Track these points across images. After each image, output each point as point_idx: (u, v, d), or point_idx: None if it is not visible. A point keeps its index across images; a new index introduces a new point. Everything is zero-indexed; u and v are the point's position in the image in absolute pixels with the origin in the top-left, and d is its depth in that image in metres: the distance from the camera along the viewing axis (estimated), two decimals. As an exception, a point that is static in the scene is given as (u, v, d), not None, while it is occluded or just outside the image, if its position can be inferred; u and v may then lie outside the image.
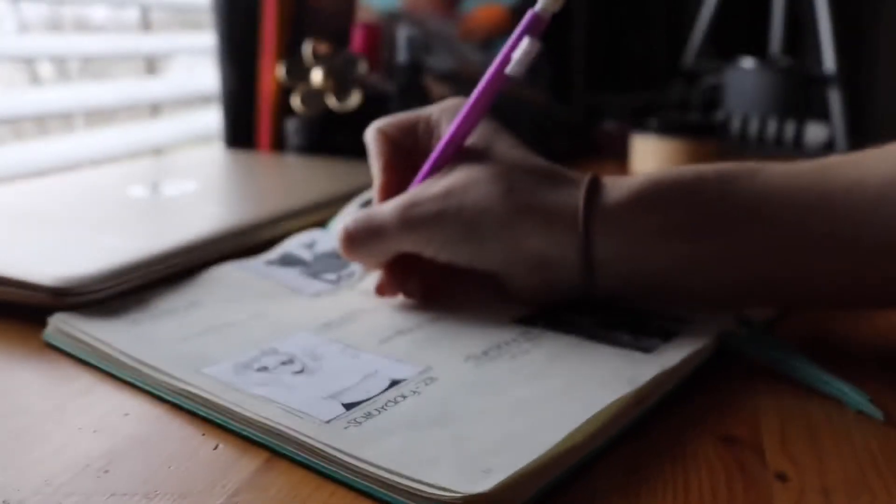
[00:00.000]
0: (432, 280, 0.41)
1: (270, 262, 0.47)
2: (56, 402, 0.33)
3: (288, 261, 0.47)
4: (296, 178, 0.71)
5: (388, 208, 0.38)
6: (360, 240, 0.39)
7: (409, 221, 0.38)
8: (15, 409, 0.33)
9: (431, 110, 0.42)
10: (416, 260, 0.40)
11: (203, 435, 0.30)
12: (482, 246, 0.37)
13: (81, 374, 0.36)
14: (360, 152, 0.82)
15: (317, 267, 0.46)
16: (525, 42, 0.37)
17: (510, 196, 0.37)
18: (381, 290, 0.41)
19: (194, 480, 0.27)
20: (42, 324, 0.39)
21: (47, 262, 0.42)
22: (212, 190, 0.63)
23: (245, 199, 0.63)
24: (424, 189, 0.38)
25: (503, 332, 0.37)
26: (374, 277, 0.42)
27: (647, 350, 0.34)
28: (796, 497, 0.27)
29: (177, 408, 0.32)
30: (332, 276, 0.45)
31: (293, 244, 0.49)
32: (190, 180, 0.63)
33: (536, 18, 0.37)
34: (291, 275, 0.45)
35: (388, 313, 0.39)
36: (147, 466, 0.28)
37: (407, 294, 0.41)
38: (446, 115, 0.41)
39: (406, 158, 0.42)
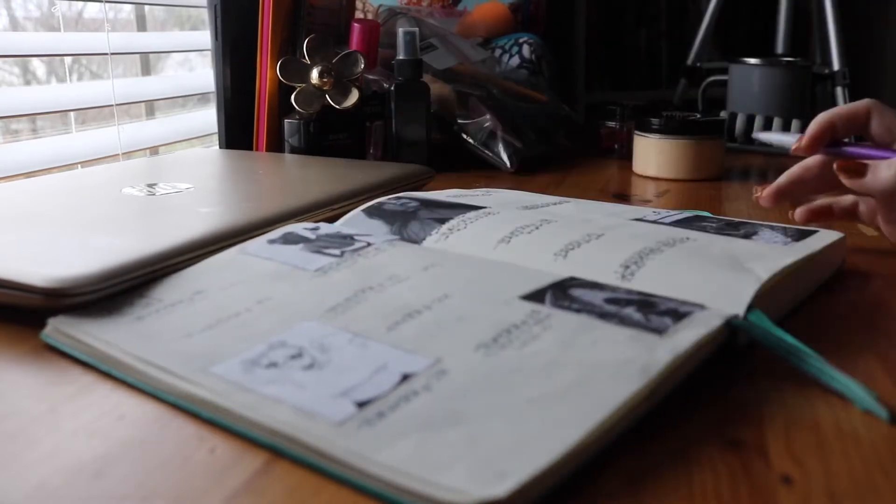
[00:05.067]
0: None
1: (272, 241, 0.47)
2: (50, 404, 0.33)
3: (290, 239, 0.47)
4: (293, 178, 0.71)
5: (886, 163, 0.48)
6: (851, 167, 0.49)
7: None
8: (8, 412, 0.32)
9: (865, 103, 0.53)
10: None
11: (200, 437, 0.30)
12: None
13: (76, 376, 0.35)
14: (358, 152, 0.82)
15: (320, 244, 0.46)
16: None
17: None
18: (773, 198, 0.51)
19: (191, 484, 0.27)
20: (36, 325, 0.38)
21: (40, 263, 0.42)
22: (208, 190, 0.63)
23: (242, 199, 0.63)
24: None
25: (512, 312, 0.37)
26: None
27: (658, 331, 0.34)
28: (801, 500, 0.26)
29: (173, 409, 0.32)
30: (335, 252, 0.45)
31: (296, 226, 0.49)
32: (186, 180, 0.63)
33: None
34: (293, 251, 0.45)
35: (395, 291, 0.39)
36: (142, 470, 0.28)
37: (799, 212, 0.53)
38: (875, 107, 0.53)
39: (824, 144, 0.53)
